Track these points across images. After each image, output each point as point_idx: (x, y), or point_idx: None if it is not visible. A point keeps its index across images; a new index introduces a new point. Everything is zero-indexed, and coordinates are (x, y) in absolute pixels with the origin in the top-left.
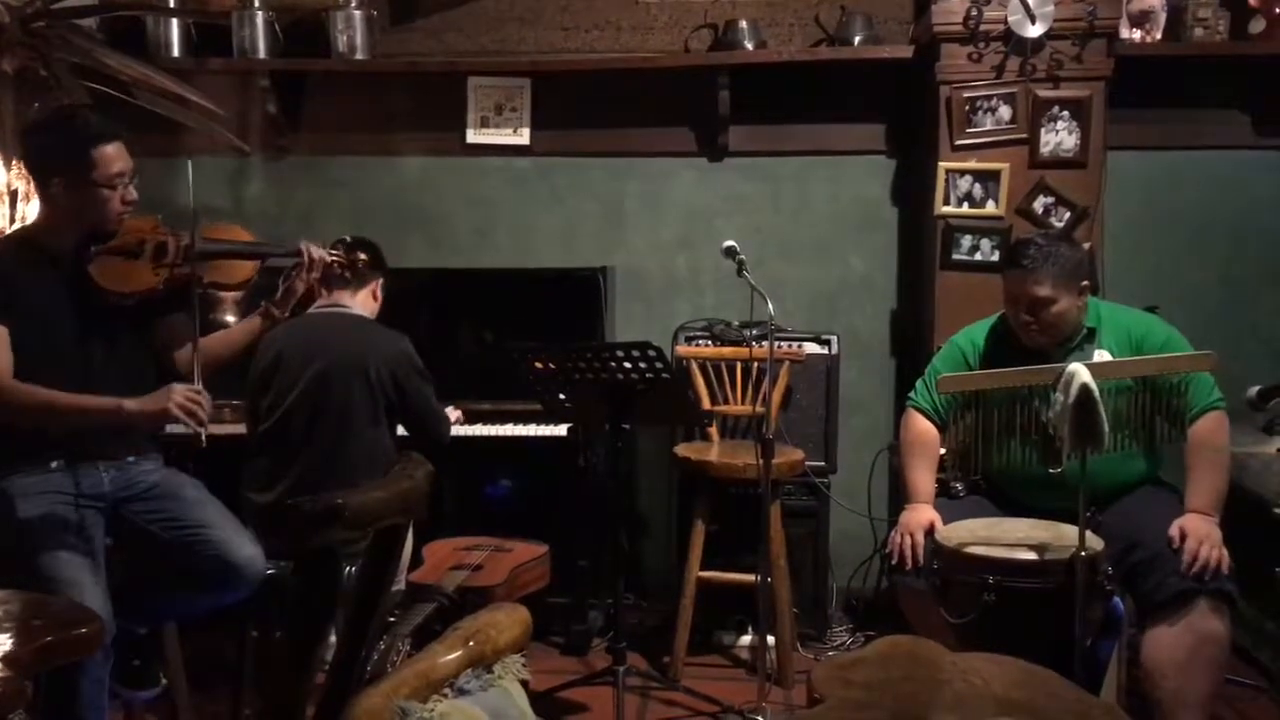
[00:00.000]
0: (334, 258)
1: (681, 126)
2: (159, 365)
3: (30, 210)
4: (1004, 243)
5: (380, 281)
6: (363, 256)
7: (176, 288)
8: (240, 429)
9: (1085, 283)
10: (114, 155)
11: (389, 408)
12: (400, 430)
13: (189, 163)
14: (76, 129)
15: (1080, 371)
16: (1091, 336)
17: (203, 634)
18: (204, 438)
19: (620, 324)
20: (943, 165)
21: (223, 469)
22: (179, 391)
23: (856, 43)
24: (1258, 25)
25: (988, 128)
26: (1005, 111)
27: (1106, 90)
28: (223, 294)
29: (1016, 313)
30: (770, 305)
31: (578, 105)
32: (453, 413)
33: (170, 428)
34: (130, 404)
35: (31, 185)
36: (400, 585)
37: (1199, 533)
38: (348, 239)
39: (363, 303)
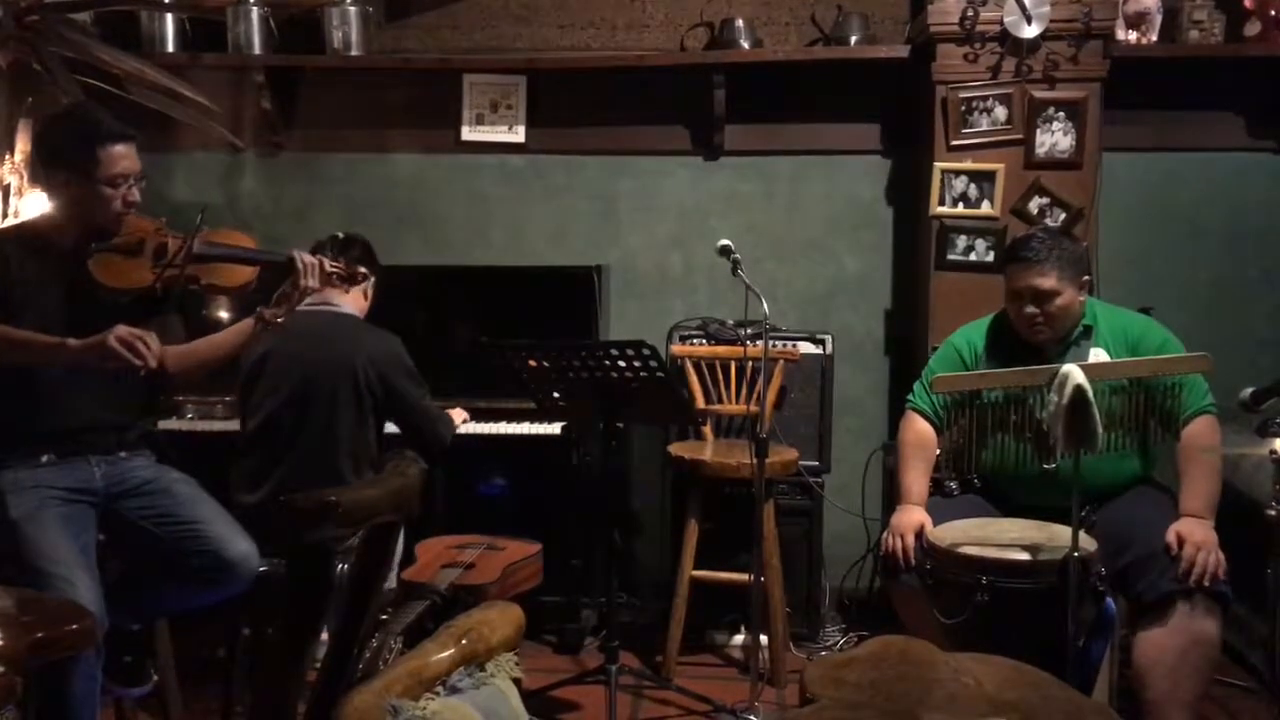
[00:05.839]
0: (334, 268)
1: (677, 125)
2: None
3: (24, 205)
4: (999, 243)
5: (371, 281)
6: (361, 269)
7: (172, 289)
8: (233, 425)
9: (1086, 277)
10: (120, 155)
11: (375, 408)
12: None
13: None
14: (86, 126)
15: (1074, 372)
16: (1088, 334)
17: (194, 631)
18: (143, 371)
19: (614, 322)
20: (938, 165)
21: (212, 466)
22: (120, 328)
23: (853, 42)
24: (1253, 27)
25: (983, 128)
26: (1001, 112)
27: (1102, 91)
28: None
29: (1020, 307)
30: (765, 304)
31: (573, 103)
32: (458, 414)
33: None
34: (74, 342)
35: (25, 180)
36: (390, 583)
37: (1196, 538)
38: (340, 235)
39: (353, 301)
